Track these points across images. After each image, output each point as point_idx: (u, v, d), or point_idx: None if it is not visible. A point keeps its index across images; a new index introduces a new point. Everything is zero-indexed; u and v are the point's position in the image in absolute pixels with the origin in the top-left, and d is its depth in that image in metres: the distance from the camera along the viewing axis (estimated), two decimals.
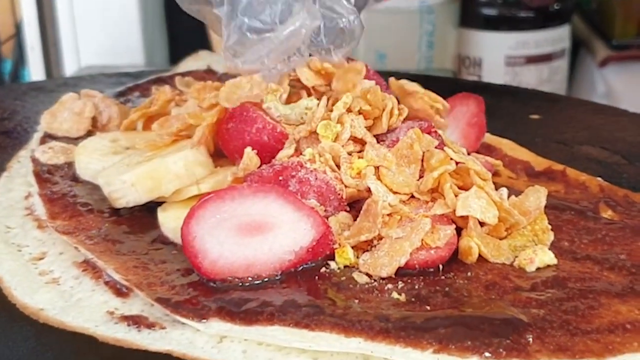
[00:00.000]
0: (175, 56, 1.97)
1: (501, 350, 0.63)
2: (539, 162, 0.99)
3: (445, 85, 1.36)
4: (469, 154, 0.95)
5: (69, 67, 1.98)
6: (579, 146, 1.09)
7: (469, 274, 0.74)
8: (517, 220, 0.78)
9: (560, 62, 1.95)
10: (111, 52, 1.97)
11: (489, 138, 1.01)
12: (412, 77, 1.41)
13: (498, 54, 1.91)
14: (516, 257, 0.77)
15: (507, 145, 1.03)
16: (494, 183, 0.87)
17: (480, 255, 0.76)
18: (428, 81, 1.39)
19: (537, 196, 0.81)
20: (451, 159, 0.80)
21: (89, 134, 1.01)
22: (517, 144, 1.05)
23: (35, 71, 1.96)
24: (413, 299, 0.70)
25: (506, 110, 1.22)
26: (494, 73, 1.92)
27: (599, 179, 0.95)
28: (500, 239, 0.79)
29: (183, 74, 1.24)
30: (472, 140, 0.98)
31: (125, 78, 1.32)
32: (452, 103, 1.01)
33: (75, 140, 0.99)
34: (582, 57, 2.11)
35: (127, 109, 1.03)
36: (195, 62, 1.33)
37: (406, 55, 1.92)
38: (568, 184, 0.95)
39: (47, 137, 1.01)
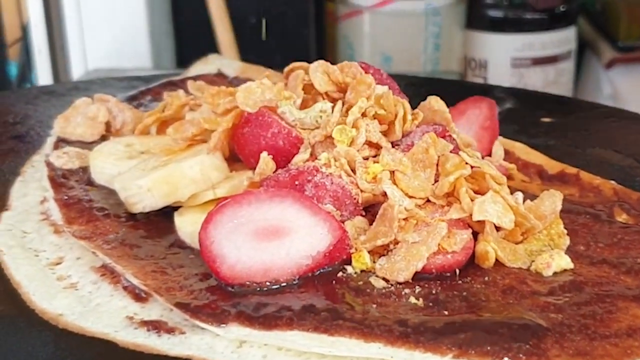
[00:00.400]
0: (183, 59, 1.98)
1: (521, 355, 0.63)
2: (552, 166, 0.99)
3: (454, 89, 1.37)
4: (483, 157, 0.95)
5: (76, 71, 1.99)
6: (592, 149, 1.09)
7: (486, 278, 0.75)
8: (533, 224, 0.78)
9: (566, 63, 1.95)
10: (118, 55, 1.97)
11: (501, 141, 1.01)
12: (419, 80, 1.42)
13: (504, 56, 1.91)
14: (533, 261, 0.77)
15: (520, 149, 1.03)
16: (508, 187, 0.87)
17: (496, 260, 0.76)
18: (434, 84, 1.40)
19: (552, 200, 0.81)
20: (466, 163, 0.80)
21: (103, 138, 1.01)
22: (531, 147, 1.05)
23: (42, 74, 1.96)
24: (431, 304, 0.70)
25: (517, 113, 1.22)
26: (500, 75, 1.92)
27: (613, 182, 0.95)
28: (516, 243, 0.79)
29: (194, 78, 1.25)
30: (485, 144, 0.98)
31: (136, 82, 1.32)
32: (465, 106, 1.01)
33: (89, 145, 0.99)
34: (587, 58, 2.11)
35: (141, 114, 1.04)
36: (205, 65, 1.33)
37: (412, 58, 1.93)
38: (582, 188, 0.95)
39: (61, 142, 1.01)
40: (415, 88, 1.35)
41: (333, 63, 0.89)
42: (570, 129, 1.16)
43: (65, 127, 1.02)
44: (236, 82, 1.28)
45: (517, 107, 1.24)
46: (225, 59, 1.36)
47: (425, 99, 1.25)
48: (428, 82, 1.39)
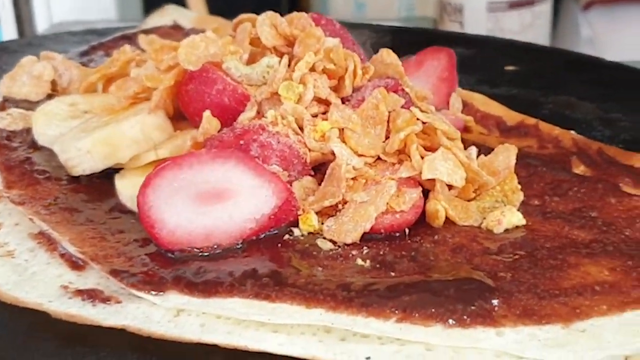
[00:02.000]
0: (150, 10, 1.93)
1: (465, 317, 0.61)
2: (512, 117, 0.97)
3: (422, 37, 1.33)
4: (440, 110, 0.93)
5: (41, 24, 1.94)
6: (555, 97, 1.07)
7: (436, 237, 0.73)
8: (486, 180, 0.76)
9: (543, 6, 1.90)
10: (84, 8, 1.92)
11: (460, 93, 0.98)
12: (388, 29, 1.39)
13: (480, 0, 1.87)
14: (484, 218, 0.75)
15: (479, 100, 1.00)
16: (465, 140, 0.85)
17: (448, 218, 0.74)
18: (402, 33, 1.37)
19: (506, 155, 0.79)
20: (418, 118, 0.77)
21: (50, 97, 0.98)
22: (492, 97, 1.03)
23: (6, 28, 1.91)
24: (378, 265, 0.68)
25: (482, 62, 1.19)
26: (476, 19, 1.87)
27: (573, 132, 0.93)
28: (469, 200, 0.77)
29: (148, 31, 1.21)
30: (443, 96, 0.95)
31: (90, 36, 1.28)
32: (423, 57, 0.98)
33: (35, 104, 0.96)
34: (565, 1, 2.07)
35: (88, 71, 1.00)
36: (161, 17, 1.29)
37: (386, 4, 1.88)
38: (541, 139, 0.92)
39: (6, 102, 0.98)
40: (378, 37, 1.32)
41: (306, 12, 0.86)
42: (534, 78, 1.13)
43: (11, 86, 0.99)
44: (192, 33, 1.24)
45: (481, 55, 1.21)
46: (182, 10, 1.32)
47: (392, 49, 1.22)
48: (394, 32, 1.35)
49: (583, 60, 1.20)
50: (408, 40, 1.31)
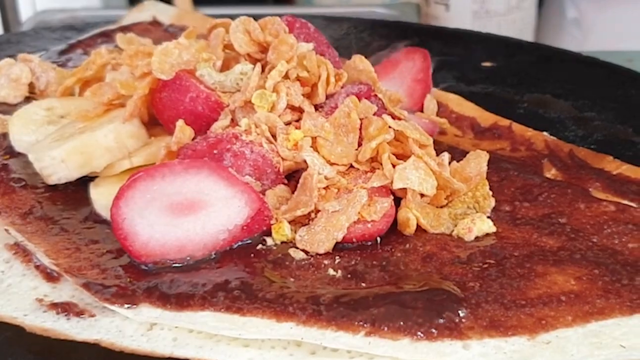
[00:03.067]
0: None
1: (433, 330, 0.63)
2: (486, 118, 0.97)
3: (398, 31, 1.34)
4: (414, 111, 0.94)
5: (25, 12, 1.93)
6: (530, 94, 1.08)
7: (407, 245, 0.74)
8: (457, 188, 0.77)
9: None
10: None
11: (435, 94, 0.99)
12: (368, 22, 1.39)
13: None
14: (456, 225, 0.76)
15: (454, 101, 1.01)
16: (439, 142, 0.86)
17: (419, 226, 0.75)
18: (376, 26, 1.37)
19: (478, 161, 0.79)
20: (390, 126, 0.78)
21: (28, 99, 0.98)
22: (468, 95, 1.03)
23: None
24: (349, 275, 0.69)
25: (458, 58, 1.19)
26: (462, 1, 1.87)
27: (545, 133, 0.94)
28: (441, 206, 0.78)
29: (127, 28, 1.21)
30: (417, 98, 0.95)
31: (69, 32, 1.28)
32: (398, 58, 0.98)
33: (14, 107, 0.96)
34: None
35: (65, 73, 1.00)
36: (139, 13, 1.28)
37: None
38: (514, 141, 0.93)
39: None
40: (357, 32, 1.33)
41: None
42: (509, 74, 1.14)
43: None
44: (172, 29, 1.25)
45: (457, 51, 1.22)
46: (161, 5, 1.31)
47: (369, 44, 1.23)
48: (373, 26, 1.35)
49: (559, 55, 1.20)
50: (387, 34, 1.31)
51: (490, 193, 0.79)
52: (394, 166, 0.76)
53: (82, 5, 1.89)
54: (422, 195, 0.76)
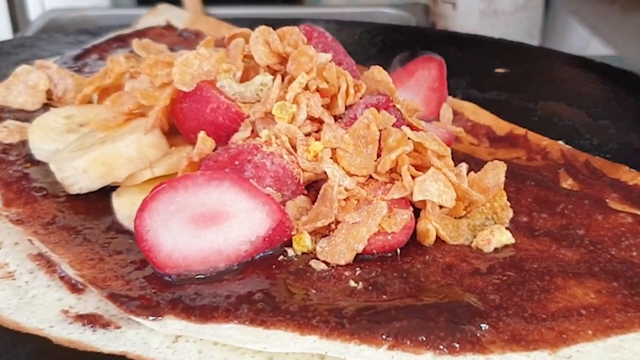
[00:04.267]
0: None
1: (455, 344, 0.63)
2: (501, 126, 0.98)
3: (412, 37, 1.34)
4: (431, 120, 0.94)
5: (34, 11, 1.94)
6: (544, 102, 1.08)
7: (427, 257, 0.74)
8: (476, 199, 0.78)
9: None
10: None
11: (451, 102, 0.99)
12: (381, 27, 1.40)
13: None
14: (475, 237, 0.76)
15: (470, 109, 1.01)
16: (456, 151, 0.87)
17: (439, 237, 0.76)
18: (390, 31, 1.37)
19: (496, 172, 0.80)
20: (409, 138, 0.78)
21: (46, 106, 0.99)
22: (482, 102, 1.04)
23: None
24: (370, 287, 0.70)
25: (472, 64, 1.20)
26: (469, 1, 1.87)
27: (561, 142, 0.95)
28: (460, 217, 0.78)
29: (142, 32, 1.22)
30: (433, 107, 0.96)
31: (83, 36, 1.28)
32: (414, 67, 0.99)
33: (32, 114, 0.97)
34: None
35: (83, 79, 1.01)
36: (154, 17, 1.29)
37: None
38: (530, 150, 0.94)
39: (2, 112, 0.98)
40: (370, 37, 1.33)
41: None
42: (523, 81, 1.14)
43: (6, 95, 0.99)
44: (186, 33, 1.25)
45: (470, 56, 1.22)
46: (174, 9, 1.32)
47: (381, 50, 1.23)
48: (386, 31, 1.36)
49: (572, 61, 1.21)
50: (399, 40, 1.32)
51: (508, 204, 0.79)
52: (413, 177, 0.76)
53: (91, 4, 1.90)
54: (440, 206, 0.77)
